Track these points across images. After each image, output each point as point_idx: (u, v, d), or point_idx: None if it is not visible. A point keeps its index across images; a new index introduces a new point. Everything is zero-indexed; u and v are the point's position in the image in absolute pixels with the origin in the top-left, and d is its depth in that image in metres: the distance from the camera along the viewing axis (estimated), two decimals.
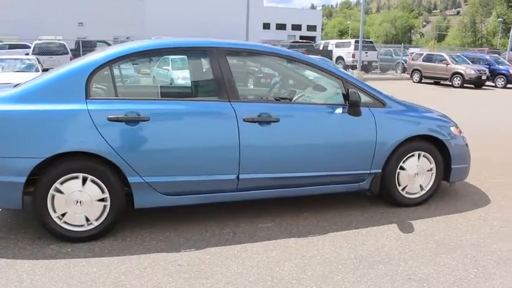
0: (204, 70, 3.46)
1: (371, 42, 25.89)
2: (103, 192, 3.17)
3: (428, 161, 3.93)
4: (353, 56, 22.53)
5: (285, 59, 3.67)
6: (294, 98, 3.84)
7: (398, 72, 23.73)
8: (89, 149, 3.07)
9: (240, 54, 3.71)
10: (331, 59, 20.72)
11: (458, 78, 18.65)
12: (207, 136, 3.27)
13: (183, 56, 4.74)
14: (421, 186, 3.96)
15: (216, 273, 2.80)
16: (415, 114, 3.87)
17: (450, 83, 18.95)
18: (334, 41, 25.90)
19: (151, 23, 37.04)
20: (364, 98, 3.70)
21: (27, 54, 17.00)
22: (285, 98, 3.80)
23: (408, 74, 20.99)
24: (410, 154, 3.84)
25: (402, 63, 23.06)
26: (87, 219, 3.18)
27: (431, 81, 20.07)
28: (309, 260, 2.97)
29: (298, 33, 56.53)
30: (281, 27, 56.64)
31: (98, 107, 3.10)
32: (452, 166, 4.00)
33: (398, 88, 17.14)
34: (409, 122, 3.79)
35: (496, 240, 3.33)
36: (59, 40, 20.50)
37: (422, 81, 20.16)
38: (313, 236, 3.37)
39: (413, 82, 20.35)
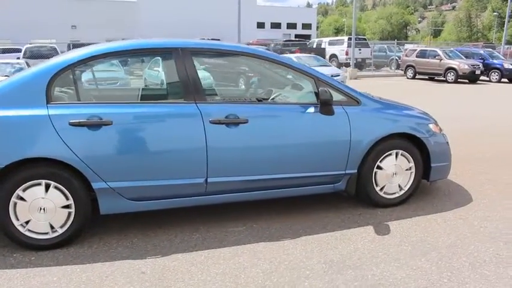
0: (170, 71, 3.36)
1: (364, 39, 25.76)
2: (67, 198, 3.07)
3: (407, 159, 3.83)
4: (346, 54, 22.41)
5: (255, 58, 3.56)
6: (269, 98, 3.73)
7: (393, 68, 23.63)
8: (50, 154, 2.98)
9: (206, 55, 3.61)
10: (324, 57, 20.62)
11: (452, 73, 18.56)
12: (172, 139, 3.18)
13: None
14: (399, 186, 3.86)
15: (178, 281, 2.70)
16: (392, 112, 3.77)
17: (444, 79, 18.86)
18: (327, 39, 25.79)
19: (144, 24, 36.90)
20: (338, 97, 3.60)
21: (19, 58, 16.91)
22: (261, 99, 3.68)
23: (402, 70, 20.89)
24: (388, 153, 3.74)
25: (396, 60, 22.95)
26: (52, 227, 3.08)
27: (426, 77, 19.98)
28: (277, 266, 2.87)
29: (293, 32, 56.36)
30: (276, 26, 56.44)
31: (59, 111, 3.01)
32: (432, 164, 3.91)
33: (391, 84, 17.05)
34: (385, 120, 3.69)
35: (474, 241, 3.23)
36: (50, 44, 20.34)
37: (416, 77, 20.06)
38: (285, 240, 3.27)
39: (407, 78, 20.25)
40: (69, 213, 3.09)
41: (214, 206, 3.64)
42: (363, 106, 3.65)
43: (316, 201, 3.97)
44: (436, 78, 19.54)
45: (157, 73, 3.53)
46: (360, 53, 22.44)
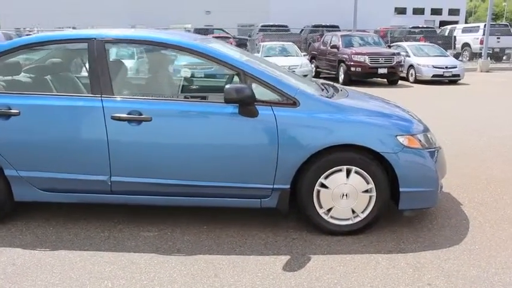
0: (83, 63, 3.18)
1: (506, 25, 21.84)
2: None
3: (365, 179, 3.01)
4: (481, 42, 19.29)
5: (175, 49, 3.14)
6: (189, 95, 3.28)
7: None
8: None
9: (123, 46, 3.31)
10: (450, 45, 18.12)
11: None
12: (75, 133, 3.06)
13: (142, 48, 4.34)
14: (353, 211, 3.07)
15: (33, 278, 2.57)
16: (340, 117, 2.96)
17: None
18: (461, 26, 22.58)
19: (275, 11, 37.33)
20: (270, 96, 2.99)
21: None
22: (178, 95, 3.23)
23: None
24: (335, 169, 2.99)
25: None
26: None
27: None
28: (129, 282, 2.53)
29: (437, 18, 50.62)
30: (418, 11, 51.55)
31: None
32: (401, 189, 3.00)
33: None
34: (326, 128, 2.93)
35: None
36: (185, 28, 21.96)
37: None
38: (180, 255, 2.87)
39: None
40: None
41: (147, 206, 3.41)
42: (301, 108, 2.95)
43: (259, 216, 3.41)
44: None
45: (73, 64, 3.37)
46: (499, 41, 19.11)
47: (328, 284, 2.53)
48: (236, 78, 3.21)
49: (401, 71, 13.73)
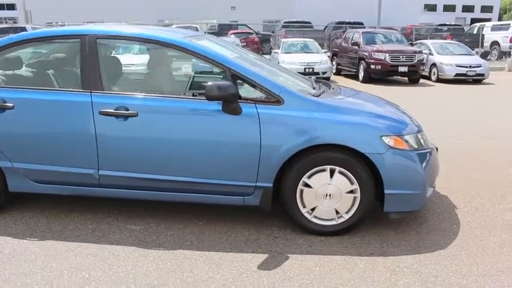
0: (75, 59, 3.25)
1: None
2: None
3: (349, 180, 2.96)
4: (511, 41, 18.63)
5: (163, 46, 3.17)
6: (177, 91, 3.28)
7: None
8: None
9: (112, 42, 3.34)
10: (478, 44, 17.55)
11: None
12: (64, 127, 3.14)
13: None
14: (337, 211, 3.03)
15: (16, 266, 2.67)
16: (324, 117, 2.91)
17: None
18: (491, 24, 21.81)
19: (300, 7, 37.09)
20: (256, 93, 2.98)
21: None
22: (167, 92, 3.23)
23: None
24: (319, 168, 2.95)
25: None
26: None
27: None
28: (96, 274, 2.58)
29: (469, 15, 49.00)
30: (449, 8, 50.06)
31: None
32: (386, 191, 2.94)
33: None
34: (310, 127, 2.89)
35: None
36: (193, 25, 22.16)
37: None
38: (160, 249, 2.91)
39: None
40: None
41: (137, 200, 3.47)
42: (285, 106, 2.92)
43: (249, 213, 3.41)
44: None
45: (67, 60, 3.44)
46: None
47: (300, 284, 2.51)
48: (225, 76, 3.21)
49: (423, 70, 13.40)
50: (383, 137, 2.90)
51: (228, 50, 3.50)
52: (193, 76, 3.46)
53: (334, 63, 15.63)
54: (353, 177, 2.94)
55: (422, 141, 3.13)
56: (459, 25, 23.88)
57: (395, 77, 13.57)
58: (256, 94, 2.99)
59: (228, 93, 2.82)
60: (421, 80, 13.48)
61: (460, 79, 13.20)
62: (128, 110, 3.01)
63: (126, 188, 3.18)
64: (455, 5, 50.96)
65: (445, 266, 2.71)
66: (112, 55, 3.53)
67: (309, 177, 2.97)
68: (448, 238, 3.08)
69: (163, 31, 3.27)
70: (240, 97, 2.95)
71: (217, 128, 2.95)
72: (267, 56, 18.71)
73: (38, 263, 2.76)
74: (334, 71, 15.44)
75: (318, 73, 13.21)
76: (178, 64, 3.40)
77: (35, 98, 3.16)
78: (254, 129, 2.91)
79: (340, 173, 2.95)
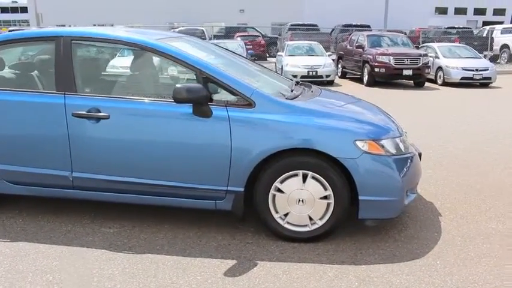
0: (51, 60, 3.22)
1: None
2: None
3: (322, 185, 2.88)
4: None
5: (137, 48, 3.12)
6: (150, 93, 3.21)
7: None
8: None
9: (86, 44, 3.30)
10: (487, 47, 17.28)
11: None
12: (39, 129, 3.13)
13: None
14: (310, 217, 2.96)
15: None
16: (295, 120, 2.83)
17: None
18: (500, 27, 21.45)
19: (309, 9, 36.95)
20: (228, 96, 2.93)
21: None
22: (137, 94, 3.19)
23: None
24: (291, 173, 2.88)
25: None
26: None
27: None
28: (61, 277, 2.54)
29: (481, 18, 48.40)
30: (460, 11, 49.42)
31: None
32: (361, 197, 2.86)
33: None
34: (281, 130, 2.82)
35: None
36: (200, 27, 22.21)
37: None
38: (129, 253, 2.87)
39: None
40: None
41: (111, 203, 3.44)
42: (256, 109, 2.86)
43: (224, 218, 3.35)
44: None
45: (44, 62, 3.42)
46: None
47: None
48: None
49: (428, 73, 13.21)
50: (357, 141, 2.81)
51: (205, 52, 3.46)
52: (171, 78, 3.42)
53: (339, 66, 15.51)
54: (326, 183, 2.87)
55: (401, 146, 3.04)
56: (468, 28, 23.52)
57: (401, 81, 13.42)
58: (228, 97, 2.93)
59: (197, 95, 2.77)
60: (427, 84, 13.30)
61: (467, 83, 12.99)
62: (100, 112, 2.98)
63: (99, 191, 3.14)
64: (466, 8, 50.29)
65: (419, 276, 2.62)
66: (90, 57, 3.50)
67: (282, 182, 2.91)
68: (426, 247, 2.98)
69: (139, 33, 3.23)
70: (211, 100, 2.90)
71: (187, 130, 2.90)
72: (273, 59, 18.69)
73: (4, 264, 2.73)
74: (339, 74, 15.35)
75: (321, 76, 13.15)
76: (158, 66, 3.36)
77: (9, 100, 3.15)
78: (224, 132, 2.85)
79: (313, 178, 2.88)
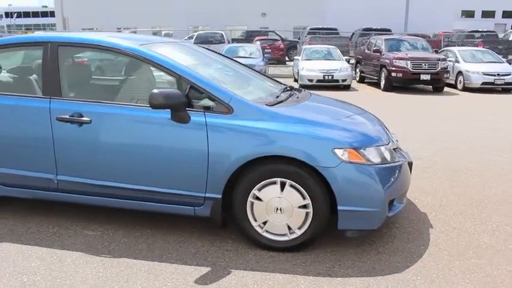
0: (38, 65, 3.28)
1: None
2: None
3: (301, 194, 2.82)
4: None
5: (120, 54, 3.12)
6: (132, 98, 3.20)
7: None
8: None
9: (72, 49, 3.32)
10: (508, 51, 16.73)
11: None
12: (25, 132, 3.19)
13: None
14: (289, 226, 2.90)
15: None
16: (273, 127, 2.78)
17: None
18: None
19: (330, 13, 36.75)
20: (207, 102, 2.91)
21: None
22: (119, 99, 3.20)
23: None
24: (269, 181, 2.83)
25: None
26: None
27: None
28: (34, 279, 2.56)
29: (510, 22, 47.04)
30: (488, 14, 48.04)
31: None
32: (339, 207, 2.78)
33: None
34: (258, 137, 2.77)
35: None
36: (219, 31, 22.33)
37: None
38: (106, 256, 2.88)
39: None
40: None
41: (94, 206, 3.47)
42: (234, 115, 2.83)
43: (212, 224, 3.32)
44: None
45: (33, 67, 3.48)
46: None
47: None
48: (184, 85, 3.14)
49: (447, 77, 12.89)
50: (335, 150, 2.74)
51: (192, 57, 3.45)
52: (156, 83, 3.42)
53: (357, 70, 15.32)
54: (305, 192, 2.80)
55: (387, 154, 2.95)
56: (493, 32, 22.83)
57: (419, 86, 13.13)
58: (207, 102, 2.91)
59: (174, 101, 2.77)
60: (447, 89, 12.97)
61: (488, 88, 12.61)
62: (82, 117, 3.02)
63: (83, 194, 3.17)
64: (494, 11, 48.84)
65: None
66: (76, 62, 3.54)
67: (260, 189, 2.86)
68: (409, 261, 2.88)
69: (124, 38, 3.25)
70: (191, 105, 2.89)
71: (165, 136, 2.89)
72: (291, 63, 18.61)
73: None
74: (357, 78, 15.16)
75: (337, 80, 13.02)
76: (141, 71, 3.37)
77: None
78: (201, 138, 2.83)
79: (291, 186, 2.82)
